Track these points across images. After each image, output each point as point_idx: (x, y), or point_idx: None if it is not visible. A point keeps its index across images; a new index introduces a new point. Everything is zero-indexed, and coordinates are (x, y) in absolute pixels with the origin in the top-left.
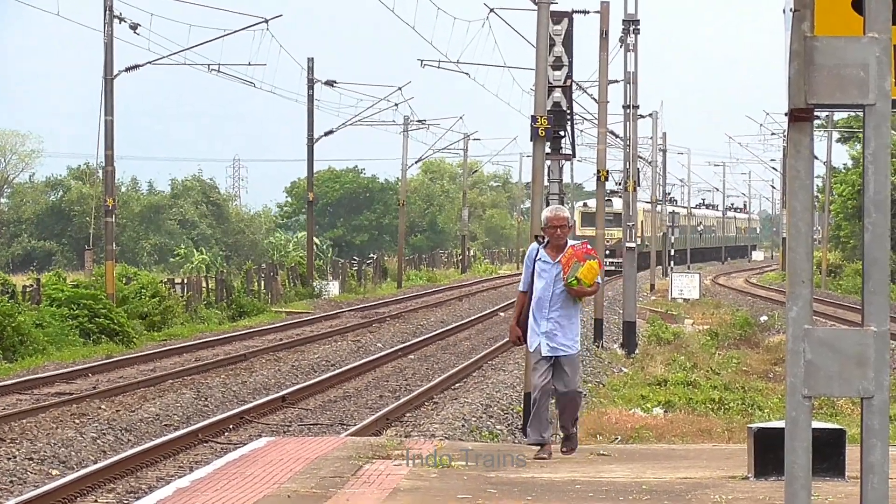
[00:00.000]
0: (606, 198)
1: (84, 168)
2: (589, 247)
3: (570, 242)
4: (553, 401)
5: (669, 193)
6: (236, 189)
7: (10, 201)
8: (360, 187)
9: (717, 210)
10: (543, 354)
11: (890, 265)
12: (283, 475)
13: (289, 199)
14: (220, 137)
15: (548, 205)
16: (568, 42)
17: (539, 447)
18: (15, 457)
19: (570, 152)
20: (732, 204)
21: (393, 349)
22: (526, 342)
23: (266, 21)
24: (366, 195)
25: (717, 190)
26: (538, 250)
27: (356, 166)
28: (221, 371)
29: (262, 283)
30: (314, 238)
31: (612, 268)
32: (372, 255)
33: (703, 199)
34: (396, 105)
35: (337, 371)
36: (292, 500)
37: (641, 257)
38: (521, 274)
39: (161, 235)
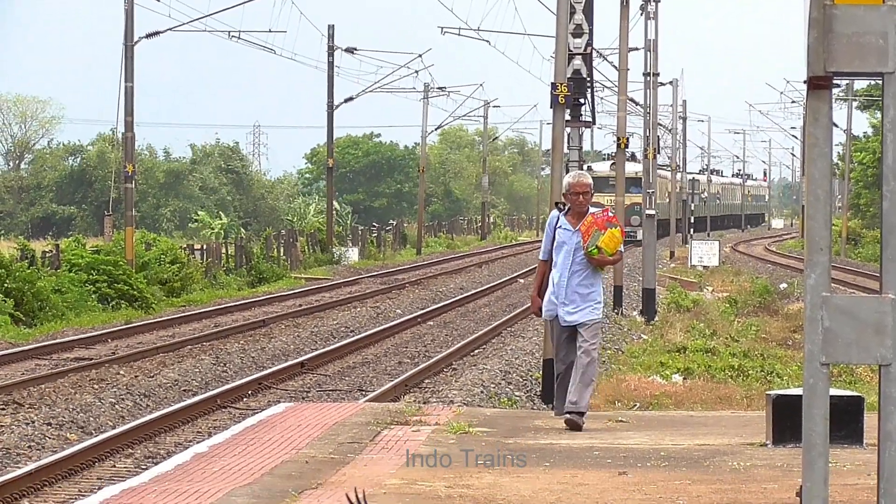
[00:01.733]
0: (614, 161)
1: (109, 135)
2: (611, 214)
3: (591, 210)
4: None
5: (670, 157)
6: (256, 155)
7: (30, 167)
8: (381, 156)
9: (722, 176)
10: (563, 324)
11: None
12: (302, 441)
13: (309, 165)
14: (240, 104)
15: (568, 172)
16: (588, 9)
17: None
18: (33, 422)
19: (589, 120)
20: (740, 170)
21: (412, 315)
22: (546, 314)
23: None
24: (387, 163)
25: (738, 158)
26: (559, 217)
27: (373, 132)
28: (240, 337)
29: (282, 249)
30: (334, 203)
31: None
32: (392, 221)
33: (707, 165)
34: (416, 72)
35: (356, 337)
36: (310, 466)
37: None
38: (541, 241)
39: (181, 201)
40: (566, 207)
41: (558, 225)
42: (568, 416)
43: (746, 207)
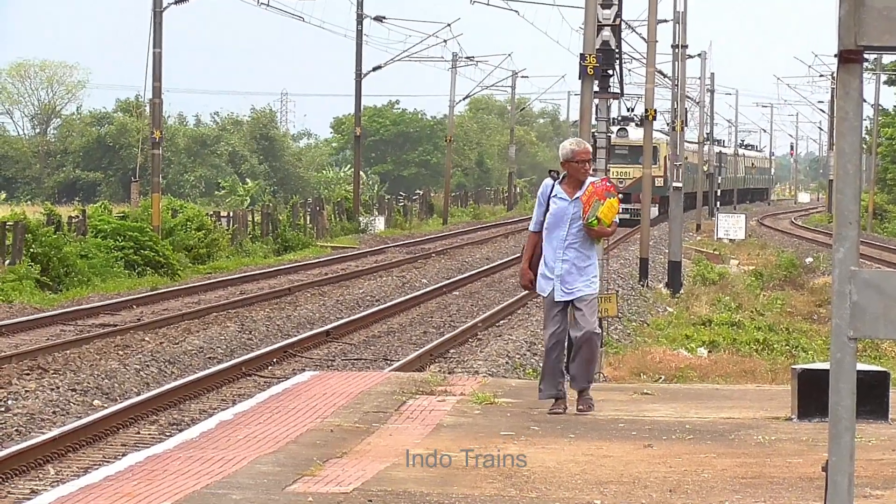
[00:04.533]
0: (621, 126)
1: (132, 101)
2: (609, 183)
3: (590, 179)
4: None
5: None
6: (284, 123)
7: (57, 132)
8: (410, 126)
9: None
10: (557, 300)
11: None
12: (327, 409)
13: (333, 135)
14: (267, 71)
15: (595, 143)
16: None
17: (554, 401)
18: (58, 387)
19: (618, 91)
20: (743, 141)
21: (437, 285)
22: (539, 288)
23: None
24: (415, 133)
25: (765, 131)
26: (553, 186)
27: (393, 101)
28: (266, 304)
29: (308, 217)
30: (361, 172)
31: (628, 216)
32: (418, 191)
33: (709, 134)
34: (445, 41)
35: (381, 306)
36: (335, 434)
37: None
38: None
39: (207, 168)
40: (560, 176)
41: (553, 194)
42: (581, 408)
43: (747, 181)
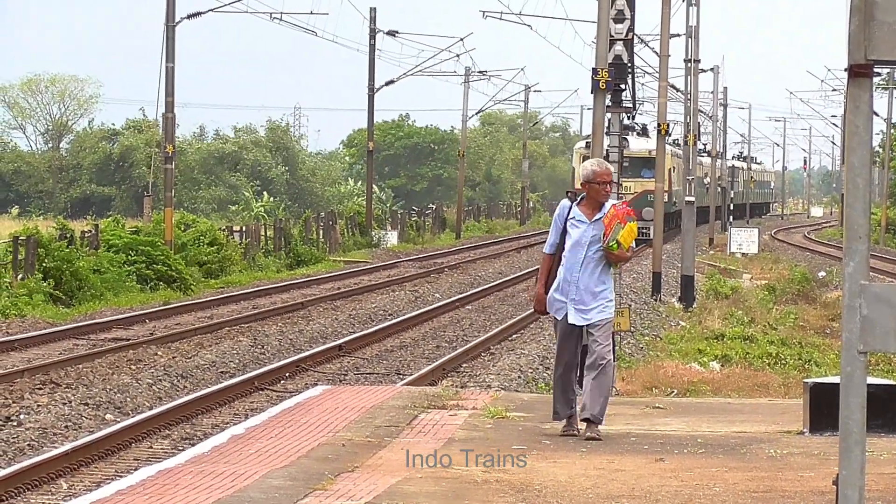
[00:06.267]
0: (624, 136)
1: (141, 120)
2: (628, 207)
3: (611, 201)
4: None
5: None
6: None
7: (69, 147)
8: (422, 139)
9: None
10: (572, 323)
11: None
12: (339, 423)
13: (344, 149)
14: (279, 85)
15: (608, 157)
16: None
17: (566, 421)
18: (70, 402)
19: (630, 105)
20: (741, 152)
21: (450, 300)
22: (552, 311)
23: None
24: (427, 147)
25: (778, 145)
26: (570, 208)
27: (404, 115)
28: (278, 319)
29: (321, 231)
30: (374, 186)
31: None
32: (431, 205)
33: (706, 145)
34: (458, 56)
35: (394, 321)
36: (347, 449)
37: (675, 216)
38: None
39: (221, 185)
40: (578, 197)
41: (570, 216)
42: (589, 436)
43: (746, 195)
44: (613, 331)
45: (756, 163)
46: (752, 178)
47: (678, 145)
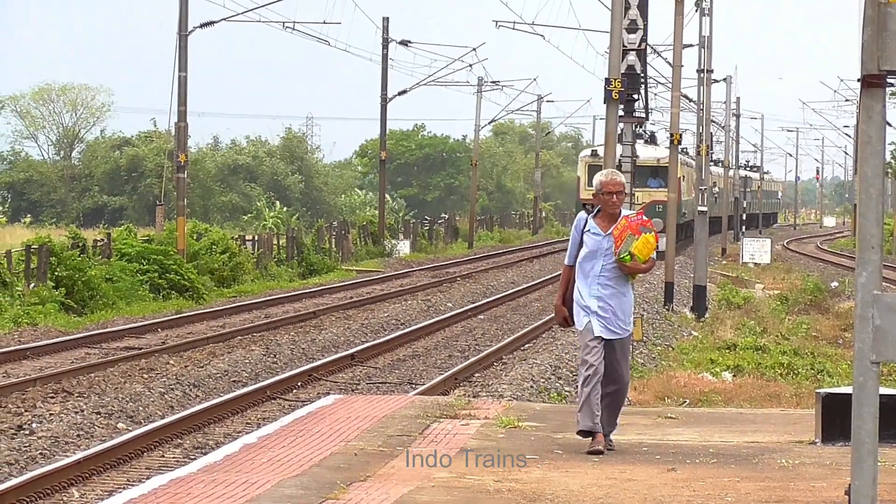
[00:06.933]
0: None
1: (153, 131)
2: (645, 217)
3: (624, 212)
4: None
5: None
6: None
7: (82, 156)
8: (435, 149)
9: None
10: (596, 334)
11: None
12: (351, 433)
13: (357, 159)
14: (292, 95)
15: (620, 167)
16: (643, 5)
17: (591, 437)
18: (83, 410)
19: (643, 115)
20: (748, 161)
21: (463, 309)
22: (573, 322)
23: None
24: (439, 156)
25: (791, 156)
26: (587, 220)
27: (418, 125)
28: (291, 328)
29: (333, 241)
30: (387, 196)
31: None
32: (443, 214)
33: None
34: (471, 66)
35: (406, 330)
36: (359, 458)
37: (685, 227)
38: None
39: (234, 194)
40: (595, 209)
41: (586, 228)
42: (598, 446)
43: (752, 206)
44: None
45: (764, 172)
46: (759, 187)
47: (688, 153)
